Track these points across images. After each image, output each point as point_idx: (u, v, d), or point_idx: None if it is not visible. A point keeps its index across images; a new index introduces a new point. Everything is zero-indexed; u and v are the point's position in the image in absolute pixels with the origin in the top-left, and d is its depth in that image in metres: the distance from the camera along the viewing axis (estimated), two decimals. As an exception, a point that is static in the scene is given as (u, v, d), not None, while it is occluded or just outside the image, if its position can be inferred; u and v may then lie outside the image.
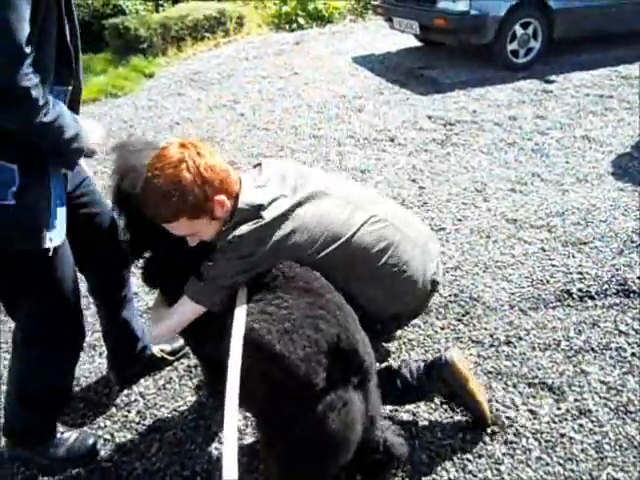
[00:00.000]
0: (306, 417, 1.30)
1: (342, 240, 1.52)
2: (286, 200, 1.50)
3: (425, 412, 1.89)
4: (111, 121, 4.89)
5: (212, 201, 1.44)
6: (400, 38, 6.64)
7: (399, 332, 2.17)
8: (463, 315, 2.31)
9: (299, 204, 1.50)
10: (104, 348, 2.28)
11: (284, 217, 1.47)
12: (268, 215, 1.45)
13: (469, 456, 1.74)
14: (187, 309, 1.53)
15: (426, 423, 1.85)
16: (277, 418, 1.34)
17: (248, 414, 1.92)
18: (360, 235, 1.55)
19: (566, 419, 1.83)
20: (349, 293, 1.50)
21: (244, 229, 1.44)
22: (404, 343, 2.19)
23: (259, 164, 1.63)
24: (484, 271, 2.56)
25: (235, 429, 1.11)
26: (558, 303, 2.33)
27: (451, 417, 1.87)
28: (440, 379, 1.75)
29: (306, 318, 1.33)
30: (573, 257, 2.61)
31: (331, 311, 1.36)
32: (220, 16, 7.53)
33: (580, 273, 2.48)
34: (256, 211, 1.45)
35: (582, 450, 1.73)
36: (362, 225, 1.56)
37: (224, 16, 7.58)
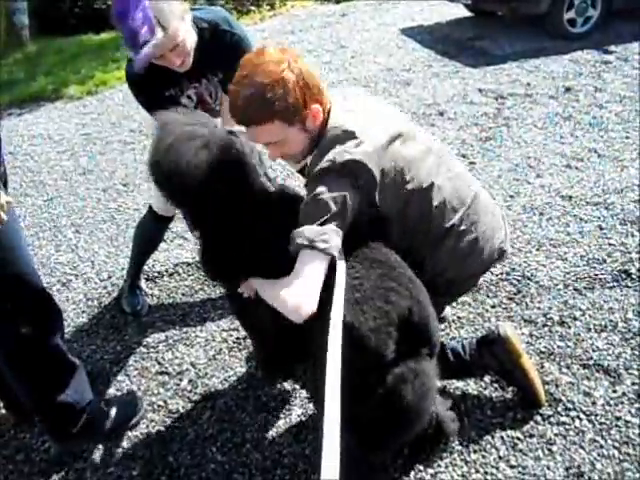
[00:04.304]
0: (376, 389, 1.28)
1: (424, 186, 1.45)
2: (380, 133, 1.41)
3: (475, 390, 1.87)
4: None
5: (308, 108, 1.39)
6: (450, 8, 6.43)
7: (448, 310, 2.14)
8: (515, 294, 2.26)
9: (393, 140, 1.42)
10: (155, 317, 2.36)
11: (382, 149, 1.38)
12: (367, 142, 1.36)
13: (519, 435, 1.72)
14: (308, 259, 1.30)
15: (476, 401, 1.83)
16: (345, 391, 1.32)
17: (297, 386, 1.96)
18: (439, 186, 1.48)
19: (622, 402, 1.78)
20: (412, 248, 1.47)
21: (349, 148, 1.34)
22: (453, 321, 2.16)
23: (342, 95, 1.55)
24: (537, 249, 2.49)
25: (338, 427, 0.97)
26: (615, 283, 2.25)
27: (501, 395, 1.84)
28: (492, 354, 1.73)
29: (377, 289, 1.29)
30: (632, 236, 2.50)
31: (403, 284, 1.33)
32: (266, -11, 7.47)
33: (639, 253, 2.39)
34: (350, 136, 1.37)
35: (639, 434, 1.68)
36: (441, 177, 1.50)
37: (270, -11, 7.53)
